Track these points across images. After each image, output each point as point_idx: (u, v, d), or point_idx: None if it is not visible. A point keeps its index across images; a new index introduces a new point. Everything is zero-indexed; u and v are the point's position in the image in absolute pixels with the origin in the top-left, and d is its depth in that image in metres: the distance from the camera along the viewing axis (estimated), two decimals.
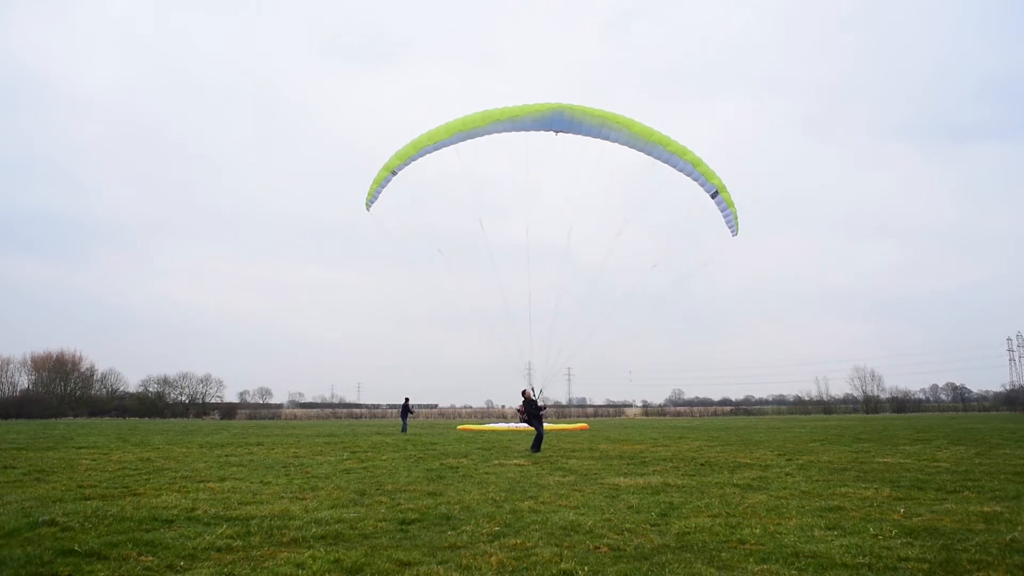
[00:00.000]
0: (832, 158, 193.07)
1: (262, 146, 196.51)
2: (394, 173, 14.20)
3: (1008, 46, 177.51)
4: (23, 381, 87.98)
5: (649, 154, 13.90)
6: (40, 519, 7.16)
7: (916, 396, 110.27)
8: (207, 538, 6.36)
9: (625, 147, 13.99)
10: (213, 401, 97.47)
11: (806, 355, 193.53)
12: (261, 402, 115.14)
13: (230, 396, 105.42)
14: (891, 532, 6.60)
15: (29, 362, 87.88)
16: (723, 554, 5.79)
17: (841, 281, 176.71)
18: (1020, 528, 6.70)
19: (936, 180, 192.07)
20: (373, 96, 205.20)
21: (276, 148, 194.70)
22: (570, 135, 13.94)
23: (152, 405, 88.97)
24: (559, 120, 13.50)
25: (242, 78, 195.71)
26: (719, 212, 14.12)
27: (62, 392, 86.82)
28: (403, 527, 7.08)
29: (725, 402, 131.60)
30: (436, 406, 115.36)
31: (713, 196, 13.79)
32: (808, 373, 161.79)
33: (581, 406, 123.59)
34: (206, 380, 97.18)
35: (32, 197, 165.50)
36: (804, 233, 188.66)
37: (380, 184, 13.92)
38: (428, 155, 14.00)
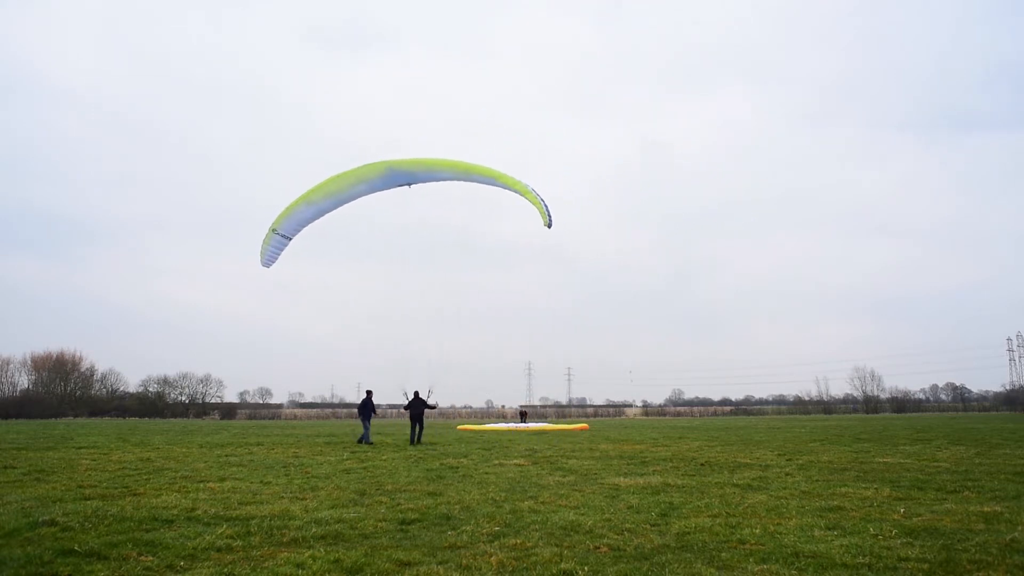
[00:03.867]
0: (832, 157, 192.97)
1: (261, 145, 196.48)
2: (277, 233, 15.51)
3: (1010, 35, 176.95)
4: (23, 381, 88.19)
5: (473, 181, 15.41)
6: (40, 519, 7.16)
7: (916, 396, 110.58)
8: (207, 538, 6.36)
9: (456, 182, 15.59)
10: (213, 401, 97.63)
11: (806, 355, 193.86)
12: (261, 402, 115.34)
13: (230, 396, 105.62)
14: (891, 532, 6.60)
15: (29, 362, 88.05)
16: (723, 554, 5.79)
17: (841, 281, 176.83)
18: (1020, 528, 6.70)
19: (936, 180, 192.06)
20: (372, 95, 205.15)
21: (275, 147, 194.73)
22: (421, 184, 15.46)
23: (152, 405, 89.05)
24: (397, 175, 14.56)
25: (241, 77, 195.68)
26: (535, 212, 15.37)
27: (62, 392, 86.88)
28: (403, 527, 7.08)
29: (725, 402, 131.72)
30: (436, 406, 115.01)
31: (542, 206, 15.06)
32: (808, 373, 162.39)
33: (581, 406, 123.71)
34: (206, 380, 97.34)
35: (31, 197, 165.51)
36: (804, 233, 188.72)
37: (271, 245, 14.99)
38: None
